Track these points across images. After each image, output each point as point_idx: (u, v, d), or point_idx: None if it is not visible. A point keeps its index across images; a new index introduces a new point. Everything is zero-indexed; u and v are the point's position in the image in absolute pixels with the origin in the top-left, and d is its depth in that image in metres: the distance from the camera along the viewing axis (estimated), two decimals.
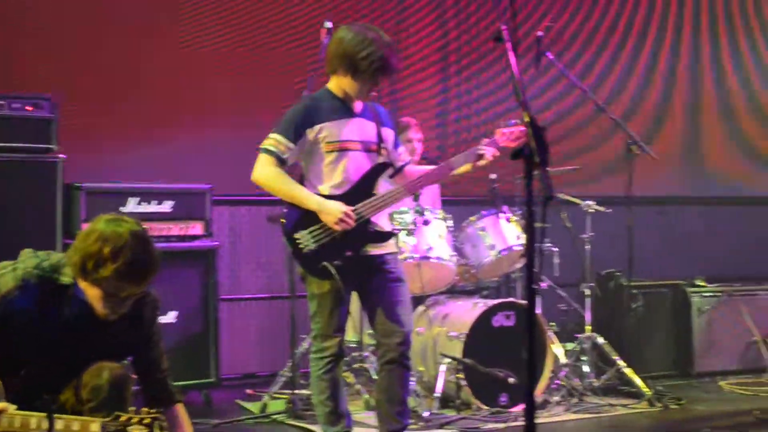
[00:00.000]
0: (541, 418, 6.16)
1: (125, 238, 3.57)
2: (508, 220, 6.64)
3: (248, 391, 6.95)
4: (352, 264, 4.72)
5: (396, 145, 5.03)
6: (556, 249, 6.92)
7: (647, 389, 6.62)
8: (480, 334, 6.22)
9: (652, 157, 6.66)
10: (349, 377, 6.39)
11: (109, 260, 3.54)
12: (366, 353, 6.45)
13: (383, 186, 4.91)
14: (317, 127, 4.73)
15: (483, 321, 6.27)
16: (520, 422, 6.01)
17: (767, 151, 9.37)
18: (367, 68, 4.69)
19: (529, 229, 2.86)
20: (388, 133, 4.97)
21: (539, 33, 6.60)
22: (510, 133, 4.95)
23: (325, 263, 4.66)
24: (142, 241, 3.63)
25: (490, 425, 5.97)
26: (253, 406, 6.43)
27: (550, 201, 2.80)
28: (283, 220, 4.76)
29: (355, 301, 5.07)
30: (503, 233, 6.61)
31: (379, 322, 4.86)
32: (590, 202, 6.93)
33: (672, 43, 9.03)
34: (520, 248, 6.56)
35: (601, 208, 6.97)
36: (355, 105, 4.85)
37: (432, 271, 6.45)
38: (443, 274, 6.55)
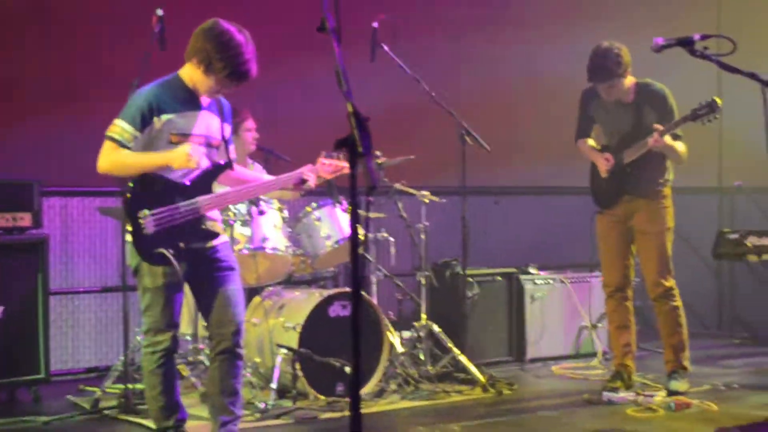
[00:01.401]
0: (377, 406, 6.23)
1: None
2: (344, 210, 6.66)
3: (80, 386, 6.80)
4: (184, 254, 4.66)
5: (228, 142, 4.98)
6: (392, 239, 6.99)
7: (481, 375, 6.75)
8: (316, 324, 6.23)
9: (485, 147, 6.77)
10: (184, 370, 6.31)
11: None
12: (201, 345, 6.38)
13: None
14: (164, 117, 4.64)
15: (319, 311, 6.27)
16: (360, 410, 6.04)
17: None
18: (221, 70, 4.63)
19: (353, 218, 2.86)
20: (227, 130, 4.95)
21: (375, 24, 6.63)
22: (330, 165, 5.00)
23: (161, 249, 4.58)
24: None
25: (327, 415, 5.98)
26: (85, 402, 6.29)
27: (374, 190, 2.81)
28: (129, 195, 4.64)
29: (189, 293, 5.01)
30: (339, 223, 6.63)
31: (212, 312, 4.82)
32: (425, 192, 7.01)
33: (499, 34, 9.17)
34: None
35: (436, 198, 7.06)
36: (203, 98, 4.79)
37: (268, 261, 6.43)
38: (279, 265, 6.54)
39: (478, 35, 9.08)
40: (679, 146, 6.34)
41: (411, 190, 7.02)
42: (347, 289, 6.57)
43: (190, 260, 4.72)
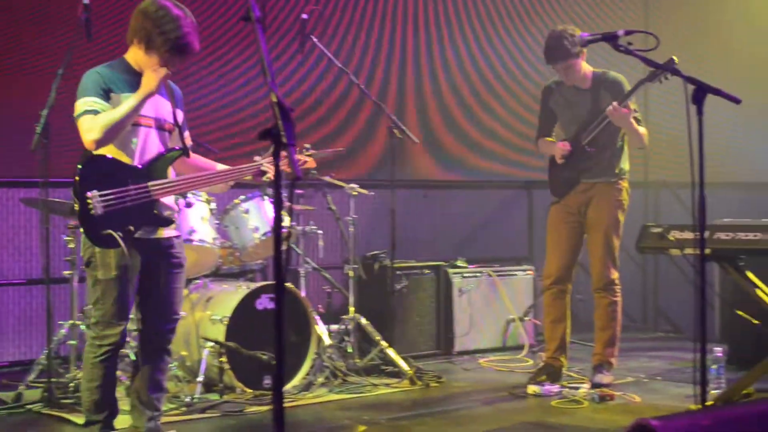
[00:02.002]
0: (305, 399, 6.22)
1: None
2: (272, 202, 6.62)
3: (3, 380, 6.69)
4: (138, 244, 4.60)
5: (183, 128, 4.88)
6: (321, 231, 6.98)
7: (408, 368, 6.77)
8: (243, 317, 6.20)
9: (413, 140, 6.78)
10: None
11: None
12: (127, 338, 6.30)
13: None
14: (114, 96, 4.56)
15: (246, 304, 6.24)
16: (284, 404, 6.02)
17: (510, 139, 9.61)
18: (161, 45, 4.56)
19: (276, 209, 2.85)
20: (180, 115, 4.86)
21: (304, 16, 6.60)
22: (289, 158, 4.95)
23: (110, 231, 4.48)
24: None
25: (254, 408, 5.95)
26: (8, 396, 6.18)
27: (298, 181, 2.80)
28: (77, 178, 4.52)
29: None
30: (268, 215, 6.61)
31: (152, 306, 4.76)
32: (354, 185, 7.01)
33: (429, 30, 9.18)
34: (285, 230, 6.56)
35: (365, 191, 7.06)
36: None
37: (195, 254, 6.37)
38: (206, 258, 6.49)
39: (416, 30, 9.08)
40: (640, 129, 6.44)
41: (340, 183, 7.01)
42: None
43: (144, 251, 4.65)
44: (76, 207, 4.54)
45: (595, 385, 6.39)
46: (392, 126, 6.77)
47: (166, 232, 4.76)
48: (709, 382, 5.95)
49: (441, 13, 9.22)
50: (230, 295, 6.33)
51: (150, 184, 4.61)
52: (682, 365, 7.41)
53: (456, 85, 9.22)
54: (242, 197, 6.67)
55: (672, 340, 8.93)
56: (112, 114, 4.50)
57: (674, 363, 7.59)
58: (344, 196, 7.13)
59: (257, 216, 6.60)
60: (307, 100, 8.05)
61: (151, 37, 4.56)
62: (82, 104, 4.53)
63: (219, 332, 6.13)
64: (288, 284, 6.48)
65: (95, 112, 4.49)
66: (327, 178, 6.96)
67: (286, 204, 5.94)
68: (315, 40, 6.66)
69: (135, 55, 4.67)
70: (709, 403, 5.25)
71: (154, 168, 4.65)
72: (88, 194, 4.50)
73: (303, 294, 6.70)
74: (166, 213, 4.74)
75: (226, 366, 6.08)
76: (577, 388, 6.32)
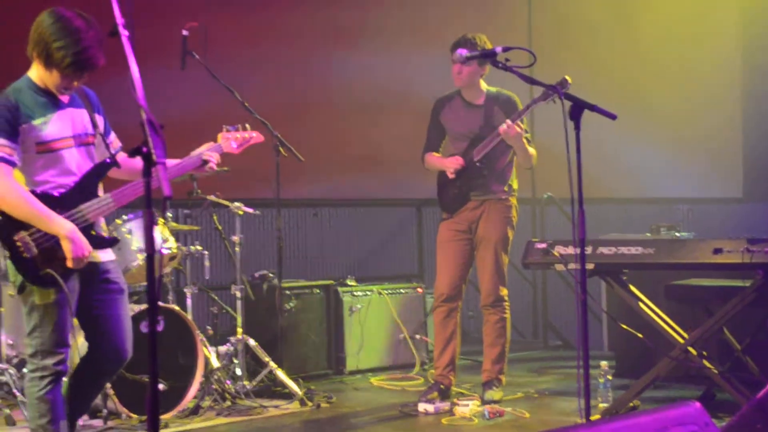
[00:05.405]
0: (193, 423, 6.10)
1: None
2: (157, 222, 6.49)
3: None
4: (74, 271, 4.34)
5: (107, 132, 4.62)
6: (207, 252, 6.86)
7: (298, 389, 6.69)
8: None
9: (299, 159, 6.72)
10: None
11: None
12: (4, 365, 6.10)
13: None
14: (25, 126, 4.25)
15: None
16: (171, 429, 5.91)
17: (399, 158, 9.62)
18: (61, 60, 4.22)
19: (147, 228, 2.76)
20: (100, 120, 4.57)
21: (184, 32, 6.49)
22: (235, 138, 4.85)
23: (48, 270, 4.23)
24: None
25: None
26: None
27: (169, 200, 2.72)
28: (0, 218, 4.25)
29: None
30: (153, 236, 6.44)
31: (98, 336, 4.55)
32: (239, 204, 6.90)
33: (316, 47, 9.15)
34: (168, 252, 6.46)
35: (251, 210, 6.96)
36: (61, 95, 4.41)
37: None
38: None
39: (303, 47, 9.03)
40: (530, 149, 6.47)
41: (225, 202, 6.90)
42: (160, 304, 6.40)
43: (80, 276, 4.40)
44: (7, 254, 4.26)
45: (485, 402, 6.40)
46: (278, 144, 6.68)
47: (101, 256, 4.50)
48: (597, 396, 6.01)
49: (328, 30, 9.19)
50: None
51: (82, 207, 4.36)
52: (570, 378, 7.46)
53: (344, 102, 9.19)
54: (125, 217, 6.50)
55: (562, 354, 9.01)
56: (23, 202, 4.22)
57: (563, 377, 7.66)
58: (230, 215, 7.02)
59: (141, 236, 6.44)
60: (189, 118, 7.91)
61: (50, 52, 4.23)
62: None
63: None
64: (174, 306, 6.37)
65: (6, 162, 4.20)
66: (212, 197, 6.84)
67: (177, 226, 5.81)
68: (197, 56, 6.54)
69: (38, 71, 4.36)
70: (595, 416, 5.30)
71: (84, 189, 4.40)
72: (16, 236, 4.24)
73: (189, 316, 6.56)
74: (101, 231, 4.50)
75: (111, 391, 5.92)
76: (467, 405, 6.31)
